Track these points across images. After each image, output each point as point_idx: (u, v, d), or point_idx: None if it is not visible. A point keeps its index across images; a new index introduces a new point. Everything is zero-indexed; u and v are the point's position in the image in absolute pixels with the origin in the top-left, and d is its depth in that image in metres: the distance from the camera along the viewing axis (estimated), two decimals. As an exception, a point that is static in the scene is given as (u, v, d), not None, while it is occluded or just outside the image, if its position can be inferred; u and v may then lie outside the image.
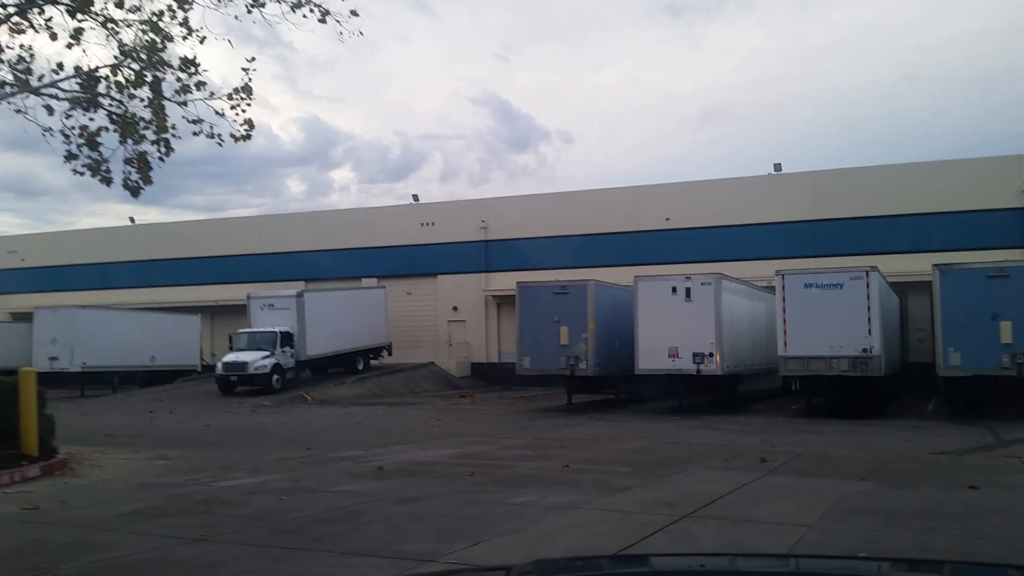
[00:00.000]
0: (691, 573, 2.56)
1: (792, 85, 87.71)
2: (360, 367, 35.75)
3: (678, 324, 22.37)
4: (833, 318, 20.87)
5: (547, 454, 13.01)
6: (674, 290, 22.59)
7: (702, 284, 22.35)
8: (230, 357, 30.56)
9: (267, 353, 30.46)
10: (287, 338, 31.31)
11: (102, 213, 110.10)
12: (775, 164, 35.25)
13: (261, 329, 31.56)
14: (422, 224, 40.56)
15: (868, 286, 20.70)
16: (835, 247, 31.48)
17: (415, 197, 42.04)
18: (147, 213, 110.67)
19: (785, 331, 21.22)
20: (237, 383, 30.38)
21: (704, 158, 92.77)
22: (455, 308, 39.86)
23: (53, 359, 33.65)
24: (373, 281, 40.13)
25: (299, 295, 32.06)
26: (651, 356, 22.47)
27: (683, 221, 35.63)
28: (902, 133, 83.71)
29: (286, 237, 42.53)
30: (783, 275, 21.56)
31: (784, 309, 21.34)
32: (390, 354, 37.85)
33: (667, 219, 36.02)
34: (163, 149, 14.86)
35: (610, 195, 37.71)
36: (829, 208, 33.41)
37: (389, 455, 12.89)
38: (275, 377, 30.56)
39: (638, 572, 2.65)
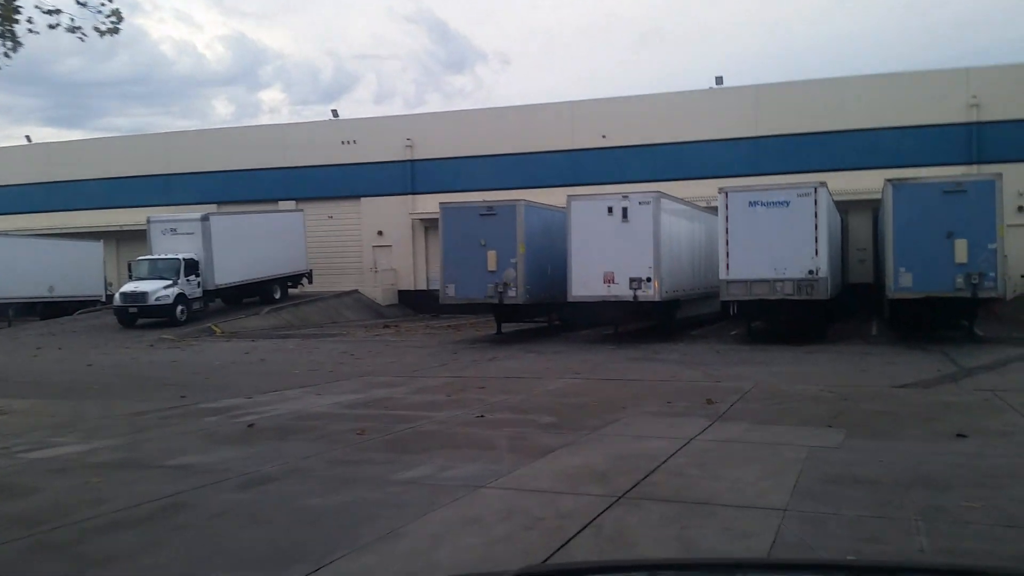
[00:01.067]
0: None
1: (735, 3, 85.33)
2: (277, 296, 33.34)
3: (614, 247, 20.62)
4: (778, 239, 19.36)
5: (463, 399, 11.17)
6: (610, 210, 20.74)
7: (640, 204, 20.54)
8: (128, 287, 27.87)
9: (169, 282, 27.85)
10: (192, 265, 28.69)
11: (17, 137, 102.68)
12: (716, 78, 33.35)
13: (163, 256, 28.83)
14: (343, 142, 37.73)
15: (816, 203, 19.18)
16: (778, 165, 29.95)
17: (334, 113, 39.04)
18: (70, 135, 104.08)
19: (728, 253, 19.66)
20: (137, 315, 27.79)
21: (644, 79, 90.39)
22: (380, 232, 37.50)
23: (-70, 291, 30.50)
24: (291, 204, 37.37)
25: (204, 218, 29.29)
26: (585, 282, 20.74)
27: (621, 139, 33.63)
28: (848, 47, 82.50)
29: (196, 157, 39.23)
30: (726, 192, 19.87)
31: (727, 230, 19.73)
32: (311, 282, 35.49)
33: (603, 136, 33.99)
34: (9, 44, 12.53)
35: (544, 111, 35.38)
36: (772, 123, 31.78)
37: (273, 405, 10.90)
38: (180, 308, 28.04)
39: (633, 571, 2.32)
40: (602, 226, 20.76)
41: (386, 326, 29.08)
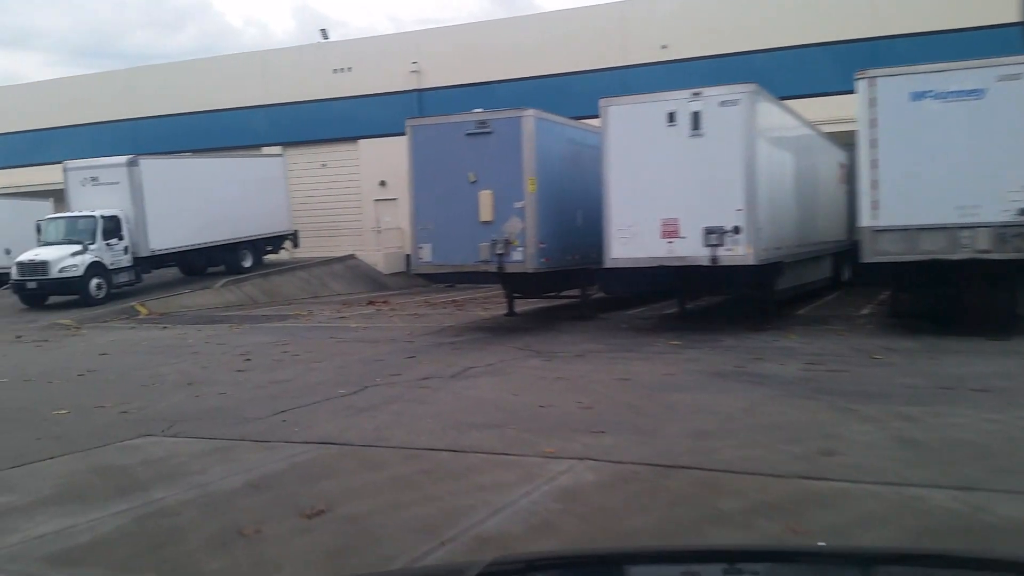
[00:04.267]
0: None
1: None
2: (248, 264, 26.19)
3: (679, 180, 12.80)
4: (966, 155, 11.27)
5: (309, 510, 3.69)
6: (671, 118, 12.82)
7: (723, 105, 12.55)
8: (26, 255, 20.96)
9: (78, 248, 20.85)
10: (114, 225, 21.65)
11: None
12: (815, -38, 24.67)
13: (74, 214, 21.88)
14: (334, 71, 30.23)
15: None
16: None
17: (324, 34, 31.46)
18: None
19: (876, 182, 11.60)
20: (39, 291, 20.90)
21: None
22: (382, 183, 30.02)
23: None
24: (277, 150, 30.12)
25: (132, 162, 22.11)
26: (632, 236, 12.96)
27: (685, 49, 25.37)
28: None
29: (165, 96, 32.18)
30: (874, 79, 11.74)
31: (874, 143, 11.64)
32: (296, 246, 28.33)
33: (664, 47, 25.78)
34: None
35: (585, 17, 27.27)
36: (893, 22, 23.14)
37: None
38: (95, 282, 21.04)
39: (612, 567, 2.22)
40: (659, 145, 12.90)
41: (371, 302, 21.67)
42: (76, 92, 34.20)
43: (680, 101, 12.90)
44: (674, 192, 12.82)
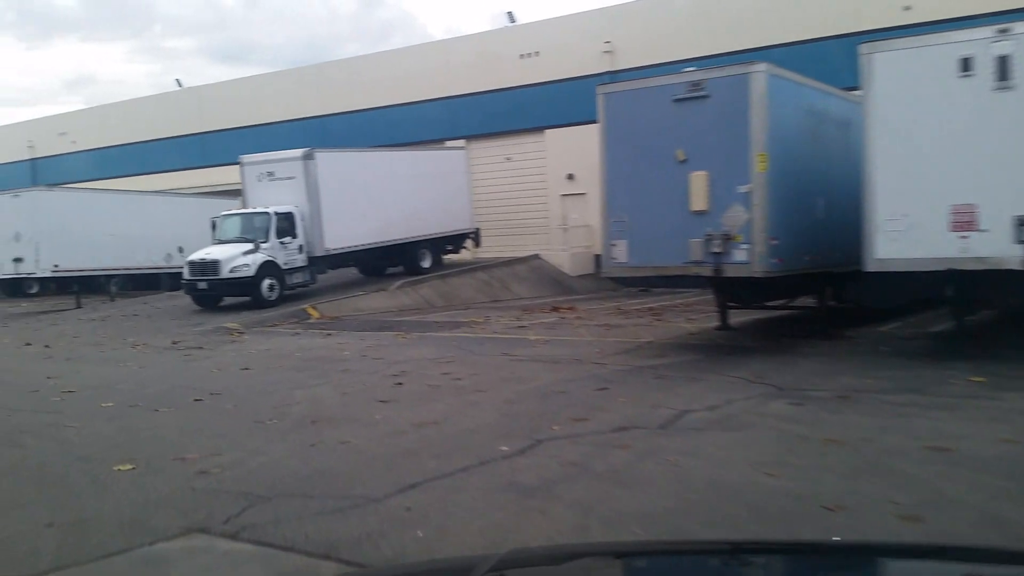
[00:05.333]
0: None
1: None
2: (426, 264, 24.42)
3: (976, 149, 9.20)
4: None
5: None
6: (966, 65, 9.22)
7: (1050, 40, 8.80)
8: (198, 254, 20.11)
9: (251, 247, 19.72)
10: (288, 222, 20.43)
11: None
12: None
13: (248, 211, 20.86)
14: (521, 56, 28.01)
15: None
16: None
17: (510, 16, 29.27)
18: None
19: None
20: (210, 292, 19.98)
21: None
22: (570, 176, 27.46)
23: (17, 260, 25.00)
24: (460, 143, 28.31)
25: (308, 155, 20.81)
26: (906, 231, 9.49)
27: (933, 10, 20.91)
28: None
29: (348, 92, 31.36)
30: None
31: None
32: (477, 244, 26.35)
33: (907, 8, 21.45)
34: None
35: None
36: None
37: None
38: (267, 283, 19.85)
39: (625, 559, 2.14)
40: (948, 104, 9.34)
41: (554, 308, 19.07)
42: (257, 90, 34.25)
43: (979, 43, 9.26)
44: (970, 168, 9.22)
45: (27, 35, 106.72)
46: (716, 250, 10.52)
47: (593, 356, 11.14)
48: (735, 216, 10.49)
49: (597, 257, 26.01)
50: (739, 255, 10.48)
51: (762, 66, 10.68)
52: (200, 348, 14.24)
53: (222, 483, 5.46)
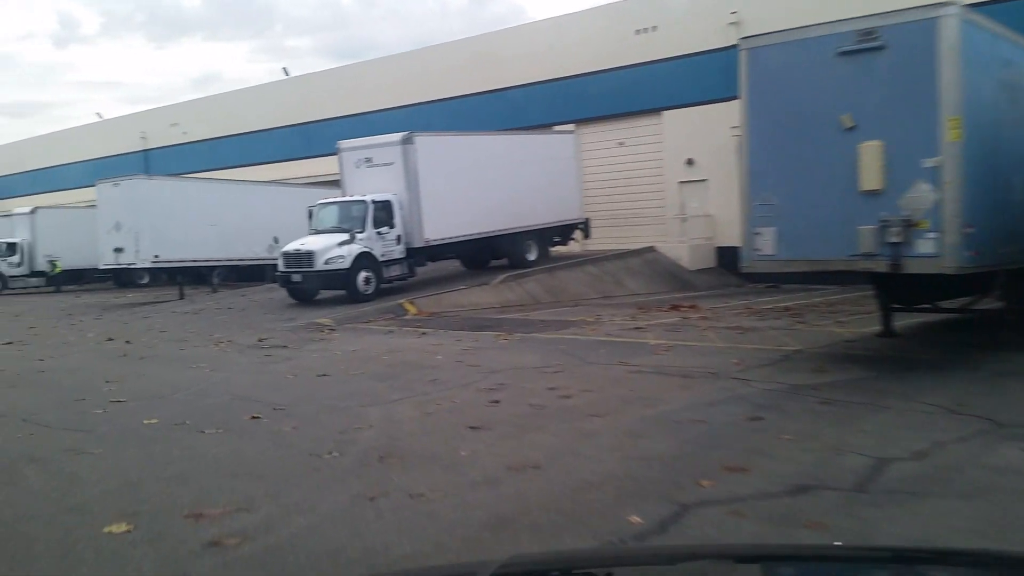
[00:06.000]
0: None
1: None
2: (532, 256, 22.71)
3: None
4: None
5: None
6: None
7: None
8: (292, 245, 19.03)
9: (346, 237, 18.48)
10: (385, 212, 19.11)
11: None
12: None
13: (345, 199, 19.65)
14: (636, 31, 25.90)
15: None
16: None
17: (624, -10, 27.15)
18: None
19: None
20: (304, 284, 18.87)
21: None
22: (689, 161, 25.20)
23: (119, 251, 24.72)
24: (569, 128, 26.44)
25: (407, 140, 19.42)
26: None
27: None
28: None
29: (449, 77, 29.97)
30: None
31: None
32: (587, 235, 24.47)
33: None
34: None
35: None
36: None
37: None
38: (363, 275, 18.58)
39: (626, 566, 2.10)
40: None
41: (674, 307, 16.98)
42: (359, 78, 33.30)
43: None
44: None
45: (156, 35, 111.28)
46: (894, 240, 8.34)
47: (731, 369, 9.13)
48: (919, 197, 8.28)
49: (719, 250, 23.80)
50: (924, 246, 8.27)
51: (954, 9, 8.40)
52: (284, 347, 12.97)
53: (230, 568, 3.86)
